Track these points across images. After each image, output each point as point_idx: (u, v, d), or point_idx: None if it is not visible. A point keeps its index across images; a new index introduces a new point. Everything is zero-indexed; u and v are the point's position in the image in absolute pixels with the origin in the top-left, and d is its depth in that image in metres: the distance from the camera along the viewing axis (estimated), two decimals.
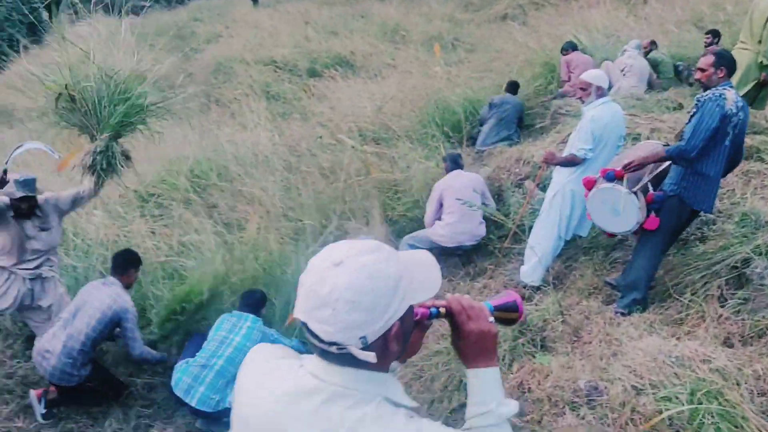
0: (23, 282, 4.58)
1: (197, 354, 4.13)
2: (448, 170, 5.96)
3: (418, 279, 1.28)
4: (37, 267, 4.63)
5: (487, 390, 1.38)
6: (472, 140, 7.97)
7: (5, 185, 4.39)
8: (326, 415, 1.19)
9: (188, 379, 3.97)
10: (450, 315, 1.41)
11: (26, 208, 4.46)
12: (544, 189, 5.58)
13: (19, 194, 4.36)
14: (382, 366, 1.24)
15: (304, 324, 1.22)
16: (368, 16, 15.75)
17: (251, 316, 4.26)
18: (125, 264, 4.51)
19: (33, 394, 4.33)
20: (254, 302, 4.40)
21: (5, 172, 4.39)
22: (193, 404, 3.92)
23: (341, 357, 1.20)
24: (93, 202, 6.60)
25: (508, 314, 1.51)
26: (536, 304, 4.68)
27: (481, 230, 5.80)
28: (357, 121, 8.08)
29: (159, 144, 7.73)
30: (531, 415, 3.37)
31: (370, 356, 1.18)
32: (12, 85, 11.63)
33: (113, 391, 4.50)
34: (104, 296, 4.26)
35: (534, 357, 3.91)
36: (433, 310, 1.39)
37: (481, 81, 9.49)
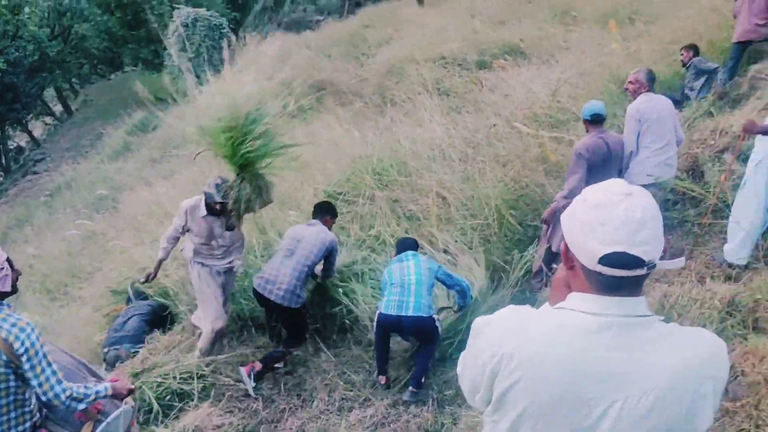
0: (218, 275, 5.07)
1: (388, 285, 4.62)
2: None
3: None
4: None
5: None
6: None
7: None
8: (626, 346, 1.23)
9: (395, 297, 4.44)
10: None
11: (219, 209, 4.84)
12: (744, 161, 5.09)
13: (218, 199, 4.76)
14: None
15: (615, 255, 1.21)
16: (536, 0, 15.32)
17: (410, 251, 4.80)
18: (324, 211, 5.26)
19: (243, 370, 4.75)
20: (411, 245, 4.95)
21: None
22: (410, 314, 4.34)
23: (633, 282, 1.24)
24: (288, 204, 7.17)
25: None
26: (744, 284, 4.29)
27: None
28: (532, 107, 7.91)
29: (341, 148, 8.23)
30: (746, 399, 3.11)
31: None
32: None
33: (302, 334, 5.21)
34: (316, 232, 4.97)
35: (746, 339, 3.60)
36: None
37: (666, 56, 8.88)
